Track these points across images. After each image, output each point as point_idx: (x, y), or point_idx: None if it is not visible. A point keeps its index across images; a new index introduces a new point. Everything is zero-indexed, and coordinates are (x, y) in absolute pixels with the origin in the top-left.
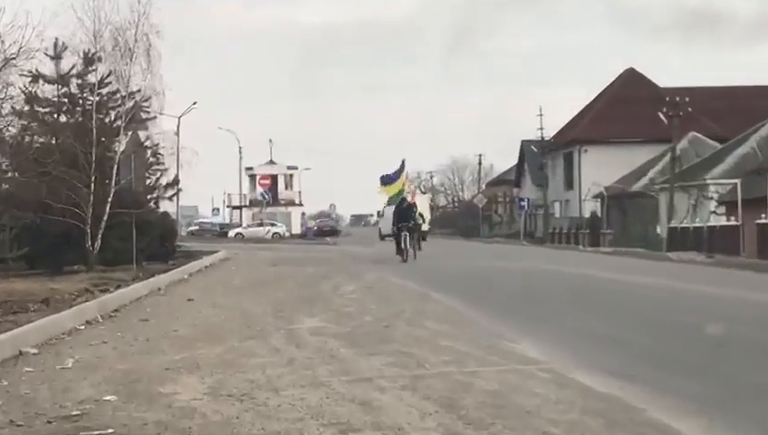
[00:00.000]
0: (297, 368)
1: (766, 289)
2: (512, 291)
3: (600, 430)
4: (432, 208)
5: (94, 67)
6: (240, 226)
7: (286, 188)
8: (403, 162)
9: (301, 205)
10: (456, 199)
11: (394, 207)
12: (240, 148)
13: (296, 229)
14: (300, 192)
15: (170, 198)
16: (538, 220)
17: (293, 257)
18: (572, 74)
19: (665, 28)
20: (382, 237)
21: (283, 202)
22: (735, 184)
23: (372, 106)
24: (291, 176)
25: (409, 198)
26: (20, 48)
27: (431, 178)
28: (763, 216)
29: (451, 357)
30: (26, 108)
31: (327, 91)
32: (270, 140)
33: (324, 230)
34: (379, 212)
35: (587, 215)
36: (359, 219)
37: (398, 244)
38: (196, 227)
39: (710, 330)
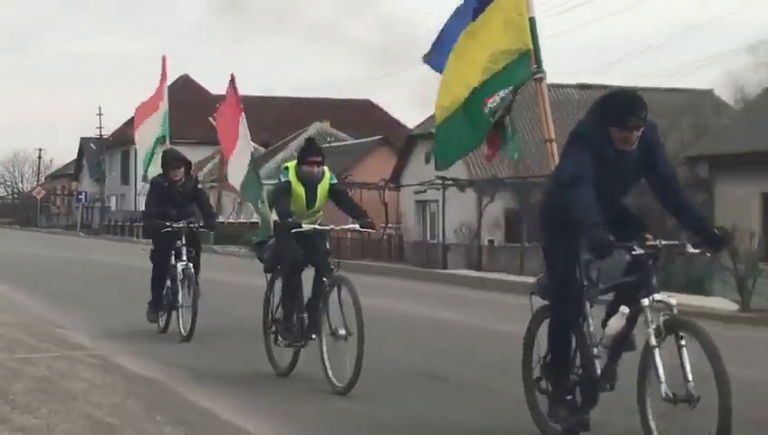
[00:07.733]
0: None
1: None
2: (70, 280)
3: (140, 411)
4: None
5: None
6: None
7: None
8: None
9: None
10: (15, 191)
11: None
12: None
13: None
14: None
15: None
16: (95, 213)
17: None
18: (134, 76)
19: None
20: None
21: None
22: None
23: None
24: None
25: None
26: None
27: None
28: None
29: (1, 344)
30: None
31: None
32: None
33: None
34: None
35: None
36: None
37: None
38: None
39: None
